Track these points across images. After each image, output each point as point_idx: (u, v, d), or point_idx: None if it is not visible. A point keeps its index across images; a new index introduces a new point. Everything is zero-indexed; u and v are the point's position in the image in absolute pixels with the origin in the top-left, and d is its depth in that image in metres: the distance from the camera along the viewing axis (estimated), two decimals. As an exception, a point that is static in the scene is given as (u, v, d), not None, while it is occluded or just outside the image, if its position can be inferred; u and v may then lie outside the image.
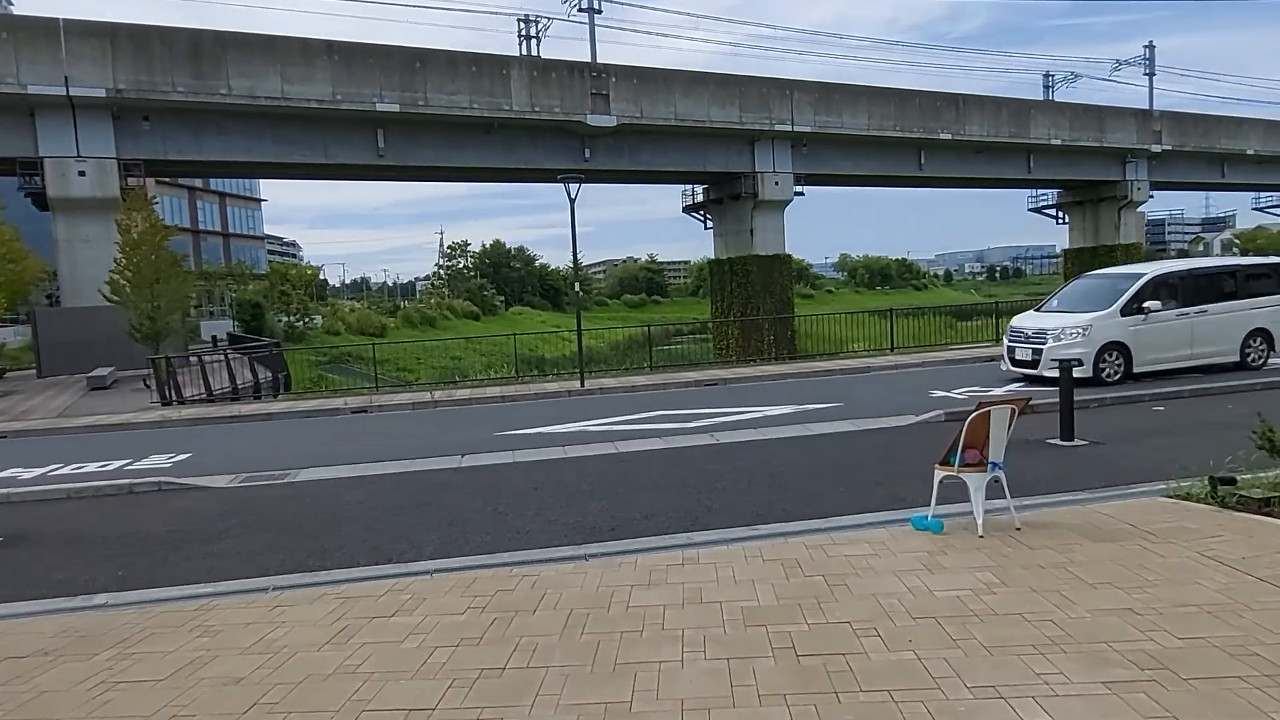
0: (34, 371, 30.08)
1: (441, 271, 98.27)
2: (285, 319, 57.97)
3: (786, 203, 40.81)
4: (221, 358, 23.62)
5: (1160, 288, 13.88)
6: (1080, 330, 13.38)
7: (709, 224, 44.52)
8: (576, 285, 20.58)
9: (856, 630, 4.15)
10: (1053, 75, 54.86)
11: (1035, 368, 13.64)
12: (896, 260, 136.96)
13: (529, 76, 34.40)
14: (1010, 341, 14.56)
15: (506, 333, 33.87)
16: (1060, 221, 56.59)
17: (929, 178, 45.60)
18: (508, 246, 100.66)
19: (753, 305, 39.55)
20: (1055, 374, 12.57)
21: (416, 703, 3.69)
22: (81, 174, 28.07)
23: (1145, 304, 13.41)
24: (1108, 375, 13.18)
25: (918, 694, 3.44)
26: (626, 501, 7.59)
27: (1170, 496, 6.46)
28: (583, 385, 17.69)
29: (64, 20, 27.39)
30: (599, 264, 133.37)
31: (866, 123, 40.74)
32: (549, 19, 65.51)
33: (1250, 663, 3.55)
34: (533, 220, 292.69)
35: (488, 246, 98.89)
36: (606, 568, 5.56)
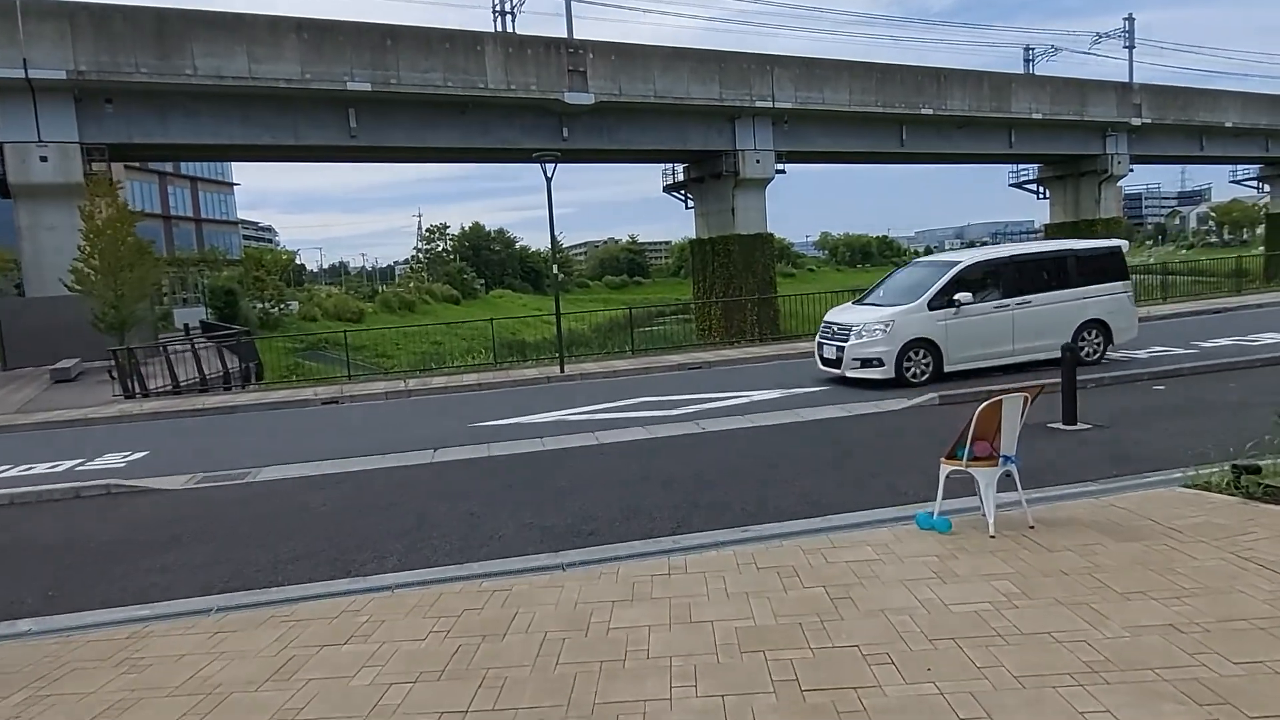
0: (-1, 364, 29.13)
1: (420, 255, 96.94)
2: (260, 305, 56.89)
3: (768, 181, 40.22)
4: (188, 347, 22.82)
5: (977, 278, 12.73)
6: (881, 326, 12.20)
7: (690, 203, 43.90)
8: (555, 267, 19.97)
9: (866, 656, 3.66)
10: (1033, 49, 54.49)
11: (839, 367, 12.60)
12: (878, 238, 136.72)
13: (504, 53, 33.51)
14: (820, 337, 13.35)
15: (486, 317, 33.26)
16: (1041, 196, 56.36)
17: (911, 154, 45.11)
18: (487, 229, 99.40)
19: (735, 285, 39.05)
20: (858, 374, 12.22)
21: (363, 757, 3.18)
22: (43, 159, 27.04)
23: (956, 296, 12.20)
24: (914, 375, 12.06)
25: (944, 738, 2.97)
26: (608, 499, 7.09)
27: (1189, 486, 6.03)
28: (562, 371, 17.15)
29: (20, 0, 26.24)
30: (580, 245, 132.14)
31: (848, 99, 40.16)
32: (524, -5, 64.33)
33: (1319, 691, 3.10)
34: (513, 202, 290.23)
35: (467, 229, 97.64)
36: (586, 579, 5.05)
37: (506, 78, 33.37)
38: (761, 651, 3.79)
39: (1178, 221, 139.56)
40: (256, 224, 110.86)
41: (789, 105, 38.63)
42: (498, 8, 37.47)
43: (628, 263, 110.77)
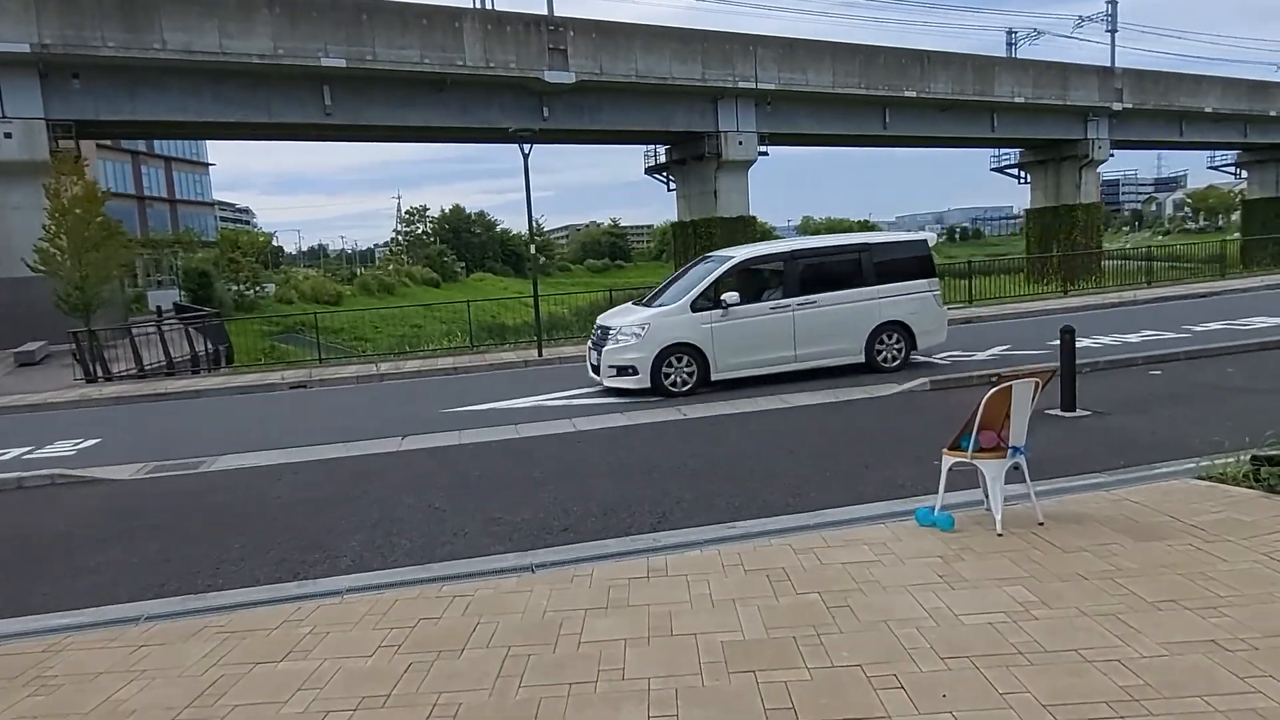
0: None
1: (400, 238, 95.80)
2: (235, 288, 55.85)
3: (751, 163, 39.76)
4: (155, 329, 22.06)
5: (753, 276, 11.74)
6: (636, 330, 11.03)
7: (672, 186, 43.37)
8: (533, 249, 19.41)
9: (871, 678, 3.23)
10: (1015, 33, 54.24)
11: (600, 375, 11.43)
12: (858, 222, 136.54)
13: (483, 30, 32.72)
14: (590, 342, 12.16)
15: (465, 299, 32.67)
16: (1022, 181, 56.22)
17: (894, 137, 44.78)
18: (468, 212, 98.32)
19: (717, 268, 38.59)
20: (615, 383, 11.06)
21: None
22: (7, 136, 26.09)
23: (724, 297, 11.03)
24: (674, 384, 10.87)
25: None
26: (583, 492, 6.62)
27: (1203, 478, 5.65)
28: (540, 355, 16.63)
29: (-20, -30, 25.18)
30: (561, 229, 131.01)
31: (831, 80, 39.70)
32: (504, -27, 63.15)
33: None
34: (494, 185, 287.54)
35: (447, 212, 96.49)
36: (556, 583, 4.59)
37: (485, 55, 32.61)
38: (751, 672, 3.35)
39: (1154, 208, 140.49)
40: (234, 205, 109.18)
41: (772, 86, 38.14)
42: (476, -17, 36.53)
43: (609, 246, 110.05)
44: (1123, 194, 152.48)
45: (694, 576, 4.51)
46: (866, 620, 3.77)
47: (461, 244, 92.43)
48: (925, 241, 12.62)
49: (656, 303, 11.81)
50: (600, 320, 12.23)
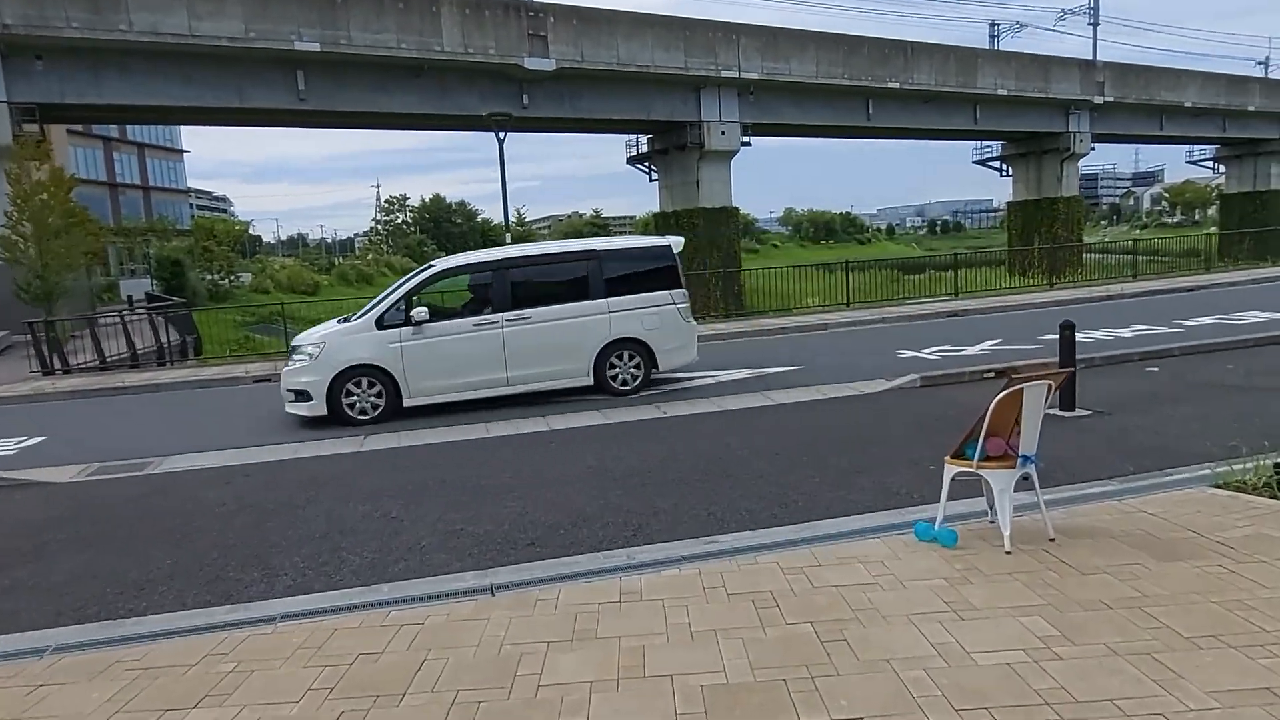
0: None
1: (379, 227, 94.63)
2: (209, 277, 54.80)
3: (733, 153, 39.32)
4: (119, 320, 21.29)
5: (455, 288, 10.63)
6: (312, 350, 9.84)
7: (654, 176, 42.87)
8: (507, 236, 18.82)
9: (876, 735, 2.77)
10: (998, 25, 54.10)
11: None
12: (841, 214, 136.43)
13: (461, 14, 31.98)
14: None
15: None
16: (1004, 174, 56.14)
17: (877, 128, 44.48)
18: (448, 201, 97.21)
19: (699, 260, 38.14)
20: (295, 410, 9.82)
21: None
22: (-33, 118, 25.14)
23: (414, 312, 9.83)
24: (358, 412, 9.65)
25: None
26: (553, 499, 6.13)
27: (1220, 486, 5.25)
28: (517, 348, 16.07)
29: (-64, -52, 24.19)
30: (544, 219, 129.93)
31: (815, 70, 39.31)
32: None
33: None
34: (475, 174, 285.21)
35: (427, 201, 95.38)
36: (518, 608, 4.10)
37: (464, 40, 31.90)
38: (737, 726, 2.88)
39: (1132, 202, 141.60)
40: (210, 193, 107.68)
41: (755, 76, 37.71)
42: (455, -34, 35.71)
43: (592, 237, 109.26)
44: (1101, 188, 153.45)
45: (671, 601, 4.03)
46: (866, 659, 3.30)
47: (442, 234, 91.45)
48: (669, 248, 10.92)
49: (356, 317, 10.43)
50: (297, 339, 10.78)
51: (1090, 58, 50.91)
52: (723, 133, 38.24)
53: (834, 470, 6.42)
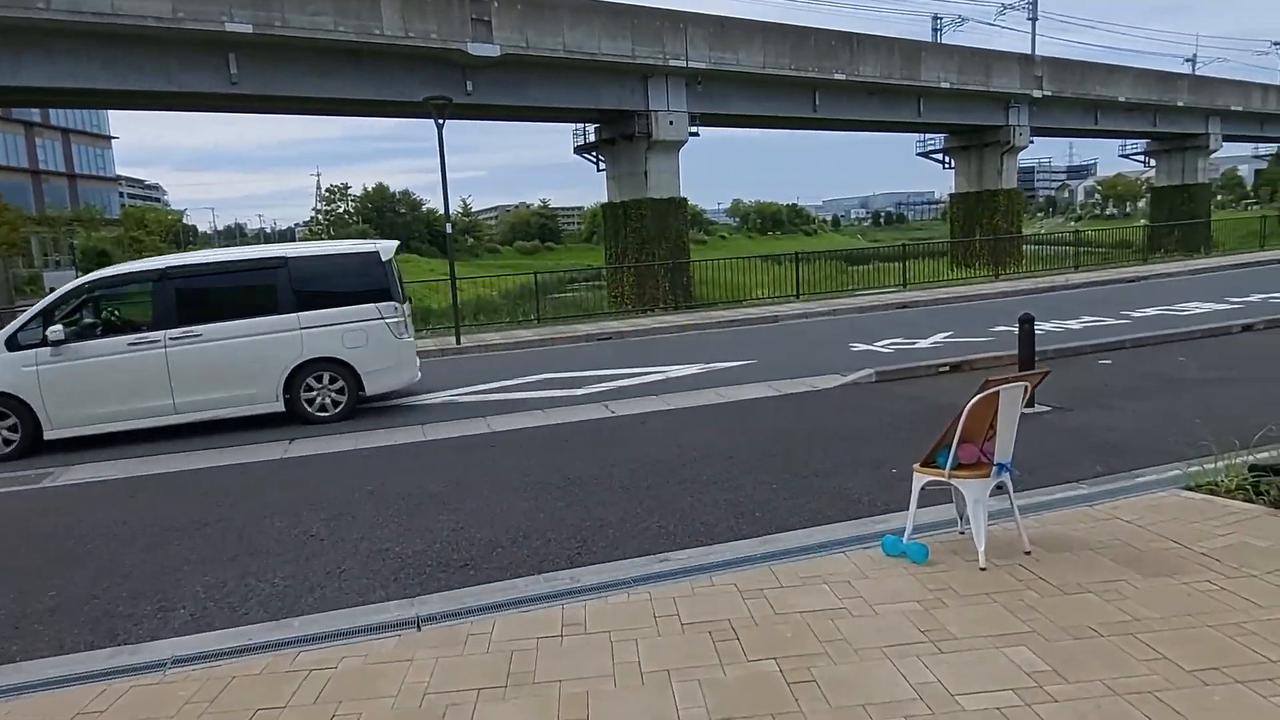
0: None
1: (320, 217, 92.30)
2: (139, 269, 52.59)
3: (681, 143, 39.05)
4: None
5: (108, 301, 9.29)
6: None
7: (602, 166, 42.31)
8: (449, 226, 18.14)
9: (857, 806, 2.38)
10: (941, 19, 54.71)
11: None
12: (788, 206, 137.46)
13: (401, -3, 30.98)
14: None
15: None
16: (947, 166, 56.87)
17: (824, 120, 44.65)
18: (392, 191, 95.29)
19: (648, 251, 37.84)
20: None
21: None
22: None
23: (49, 331, 8.50)
24: None
25: None
26: (490, 511, 5.65)
27: (1193, 489, 5.01)
28: (458, 342, 15.50)
29: None
30: (490, 210, 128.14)
31: (762, 60, 39.22)
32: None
33: None
34: (419, 164, 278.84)
35: (370, 190, 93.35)
36: (446, 645, 3.63)
37: (404, 24, 30.92)
38: (695, 798, 2.46)
39: (1067, 195, 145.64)
40: (142, 182, 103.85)
41: (703, 65, 37.45)
42: (393, -53, 34.60)
43: (539, 228, 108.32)
44: (1037, 181, 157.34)
45: (619, 634, 3.60)
46: (839, 704, 2.92)
47: (386, 224, 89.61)
48: (377, 254, 9.62)
49: None
50: None
51: (1029, 52, 51.84)
52: (671, 122, 37.92)
53: (792, 475, 6.05)
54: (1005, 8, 57.23)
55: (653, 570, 4.36)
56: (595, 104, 36.88)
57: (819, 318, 16.62)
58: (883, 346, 11.88)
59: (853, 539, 4.58)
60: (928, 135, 56.32)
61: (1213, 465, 5.17)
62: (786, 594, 3.90)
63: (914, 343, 12.10)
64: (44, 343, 8.53)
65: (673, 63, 37.02)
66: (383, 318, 9.45)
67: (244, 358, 9.00)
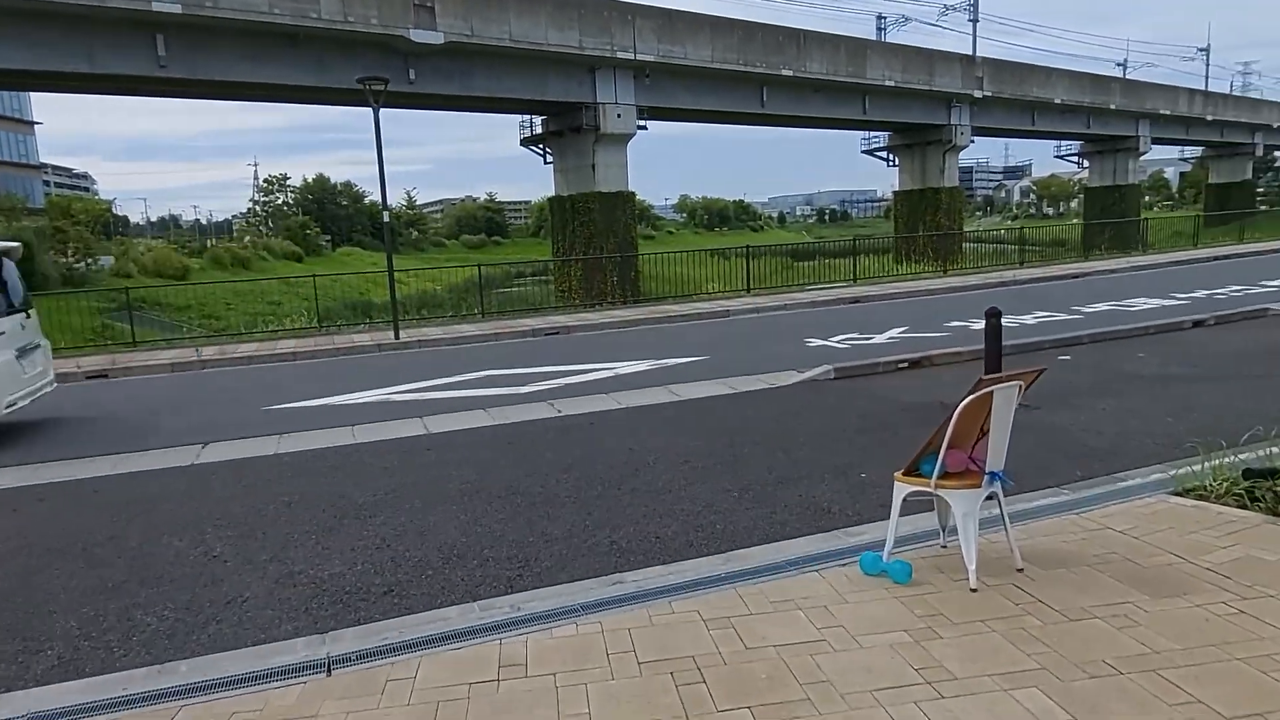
0: None
1: (258, 208, 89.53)
2: (64, 260, 50.18)
3: (629, 137, 38.60)
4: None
5: None
6: None
7: (549, 159, 41.61)
8: (385, 215, 17.29)
9: None
10: (885, 18, 55.21)
11: None
12: (735, 202, 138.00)
13: (339, -20, 29.84)
14: None
15: (326, 273, 30.15)
16: (891, 164, 57.56)
17: (771, 115, 44.72)
18: (333, 182, 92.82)
19: (595, 245, 37.33)
20: None
21: None
22: None
23: None
24: None
25: None
26: (421, 526, 5.06)
27: (1181, 494, 4.69)
28: (397, 337, 14.75)
29: None
30: (435, 203, 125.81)
31: (710, 55, 38.99)
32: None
33: None
34: (361, 155, 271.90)
35: (310, 181, 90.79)
36: (359, 694, 3.06)
37: (343, 8, 29.79)
38: None
39: (1004, 194, 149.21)
40: (69, 170, 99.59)
41: (651, 58, 37.09)
42: (331, -72, 33.35)
43: (486, 221, 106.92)
44: (975, 180, 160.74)
45: (566, 677, 3.08)
46: (830, 769, 2.44)
47: (327, 216, 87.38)
48: None
49: None
50: None
51: (971, 53, 52.59)
52: (619, 115, 37.45)
53: (753, 481, 5.59)
54: (947, 9, 58.10)
55: (605, 595, 3.84)
56: (542, 95, 36.20)
57: (771, 312, 16.27)
58: (838, 342, 11.54)
59: (826, 554, 4.12)
60: (872, 134, 56.91)
61: (1198, 468, 4.87)
62: (756, 623, 3.42)
63: (870, 338, 11.78)
64: None
65: (620, 55, 36.55)
66: None
67: None
